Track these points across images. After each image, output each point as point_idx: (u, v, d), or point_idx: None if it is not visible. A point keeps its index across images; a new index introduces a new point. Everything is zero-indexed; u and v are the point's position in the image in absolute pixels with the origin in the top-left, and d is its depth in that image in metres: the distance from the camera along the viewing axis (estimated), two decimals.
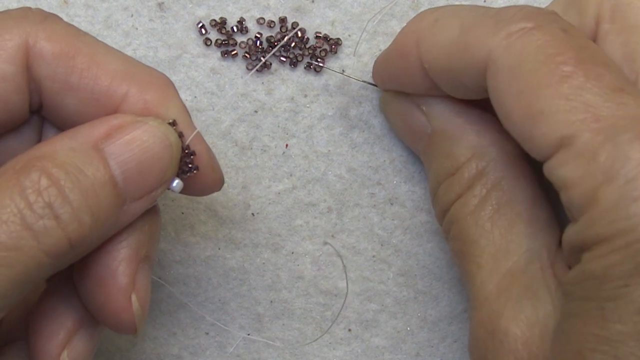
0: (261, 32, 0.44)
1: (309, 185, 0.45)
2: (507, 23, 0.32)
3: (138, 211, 0.34)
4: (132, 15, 0.44)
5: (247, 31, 0.44)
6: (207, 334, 0.46)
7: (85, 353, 0.36)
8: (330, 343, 0.46)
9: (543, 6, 0.44)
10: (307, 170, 0.45)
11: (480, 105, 0.38)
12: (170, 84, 0.36)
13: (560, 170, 0.30)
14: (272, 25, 0.44)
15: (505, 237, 0.35)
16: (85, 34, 0.36)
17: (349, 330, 0.46)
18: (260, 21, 0.44)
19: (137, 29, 0.44)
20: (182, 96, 0.44)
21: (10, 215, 0.31)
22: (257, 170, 0.45)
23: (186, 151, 0.35)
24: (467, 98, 0.36)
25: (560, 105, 0.30)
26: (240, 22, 0.44)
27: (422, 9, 0.44)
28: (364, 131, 0.44)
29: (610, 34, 0.35)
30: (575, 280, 0.30)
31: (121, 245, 0.34)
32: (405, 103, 0.40)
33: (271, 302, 0.45)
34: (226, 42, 0.44)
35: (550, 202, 0.36)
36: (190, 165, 0.35)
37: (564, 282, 0.31)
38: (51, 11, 0.44)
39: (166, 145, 0.34)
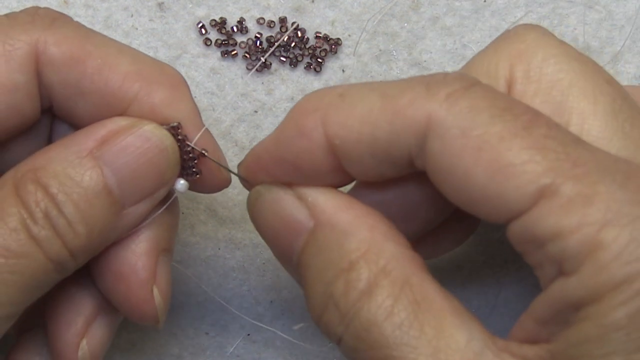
0: (261, 32, 0.44)
1: None
2: (441, 85, 0.30)
3: (141, 213, 0.34)
4: (132, 15, 0.44)
5: (247, 31, 0.44)
6: (207, 334, 0.46)
7: (103, 340, 0.37)
8: (330, 343, 0.46)
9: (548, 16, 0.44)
10: None
11: (368, 199, 0.34)
12: (181, 82, 0.36)
13: (548, 221, 0.28)
14: (272, 25, 0.44)
15: (440, 333, 0.30)
16: (95, 33, 0.36)
17: None
18: (260, 21, 0.44)
19: (137, 29, 0.44)
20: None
21: (18, 224, 0.32)
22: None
23: (190, 155, 0.35)
24: (379, 177, 0.33)
25: (530, 155, 0.28)
26: (240, 22, 0.44)
27: (422, 9, 0.44)
28: None
29: (526, 95, 0.33)
30: (582, 340, 0.28)
31: (139, 239, 0.35)
32: (284, 195, 0.34)
33: (271, 302, 0.45)
34: (226, 42, 0.44)
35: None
36: (194, 169, 0.35)
37: (542, 355, 0.29)
38: None
39: (161, 150, 0.34)
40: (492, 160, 0.29)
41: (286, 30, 0.44)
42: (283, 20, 0.44)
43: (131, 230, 0.35)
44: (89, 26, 0.43)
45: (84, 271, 0.36)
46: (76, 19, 0.44)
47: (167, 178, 0.35)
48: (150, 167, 0.34)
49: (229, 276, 0.45)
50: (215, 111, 0.44)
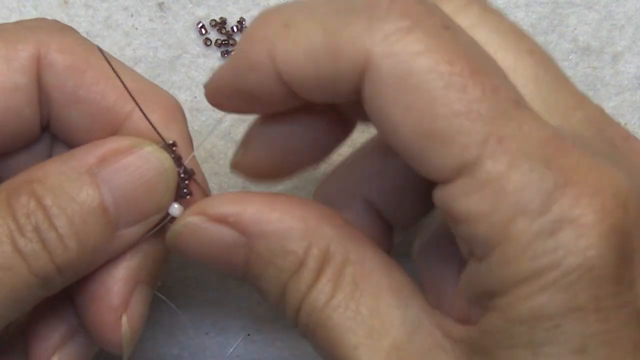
0: None
1: (309, 185, 0.45)
2: (382, 20, 0.28)
3: (134, 236, 0.34)
4: (132, 15, 0.44)
5: None
6: (207, 334, 0.46)
7: (78, 359, 0.36)
8: None
9: None
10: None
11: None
12: (176, 107, 0.36)
13: (462, 201, 0.27)
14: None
15: (375, 312, 0.31)
16: (99, 49, 0.35)
17: None
18: None
19: (137, 29, 0.44)
20: (182, 96, 0.44)
21: (3, 235, 0.31)
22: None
23: (181, 175, 0.35)
24: (334, 101, 0.32)
25: (459, 125, 0.27)
26: (240, 22, 0.44)
27: None
28: (363, 132, 0.44)
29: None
30: (492, 329, 0.28)
31: (121, 265, 0.34)
32: (204, 225, 0.33)
33: None
34: (226, 42, 0.44)
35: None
36: (185, 190, 0.35)
37: (468, 338, 0.29)
38: (51, 11, 0.44)
39: (161, 172, 0.34)
40: (418, 123, 0.27)
41: None
42: None
43: (122, 253, 0.34)
44: (89, 26, 0.43)
45: (66, 289, 0.35)
46: (76, 18, 0.44)
47: (164, 201, 0.34)
48: (148, 189, 0.33)
49: (229, 277, 0.45)
50: (215, 111, 0.44)
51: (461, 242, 0.29)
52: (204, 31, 0.44)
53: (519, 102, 0.28)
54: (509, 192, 0.26)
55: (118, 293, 0.34)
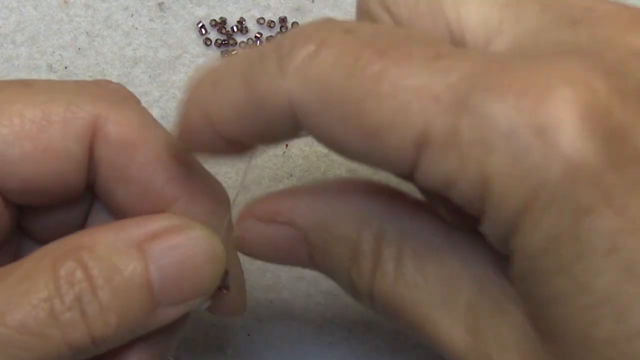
0: (261, 32, 0.44)
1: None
2: (289, 56, 0.27)
3: (171, 318, 0.33)
4: (132, 15, 0.44)
5: (247, 31, 0.44)
6: (207, 334, 0.46)
7: None
8: (330, 343, 0.46)
9: None
10: (307, 171, 0.45)
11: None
12: (224, 200, 0.35)
13: (435, 171, 0.26)
14: (272, 25, 0.44)
15: (443, 277, 0.30)
16: (157, 125, 0.34)
17: (349, 330, 0.46)
18: (260, 21, 0.44)
19: (137, 29, 0.44)
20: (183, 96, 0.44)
21: (41, 301, 0.30)
22: (257, 170, 0.45)
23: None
24: (282, 143, 0.32)
25: (392, 108, 0.26)
26: (240, 22, 0.44)
27: None
28: None
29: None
30: (522, 274, 0.27)
31: (138, 342, 0.33)
32: (261, 229, 0.33)
33: (271, 302, 0.46)
34: (226, 42, 0.44)
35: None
36: (223, 282, 0.34)
37: (518, 280, 0.28)
38: (51, 11, 0.44)
39: (211, 257, 0.33)
40: (358, 128, 0.26)
41: (286, 31, 0.44)
42: (283, 20, 0.44)
43: (155, 329, 0.33)
44: (89, 26, 0.43)
45: None
46: (76, 18, 0.44)
47: (208, 287, 0.33)
48: (195, 272, 0.33)
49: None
50: None
51: (467, 206, 0.27)
52: (204, 31, 0.44)
53: (438, 53, 0.26)
54: (467, 137, 0.25)
55: None
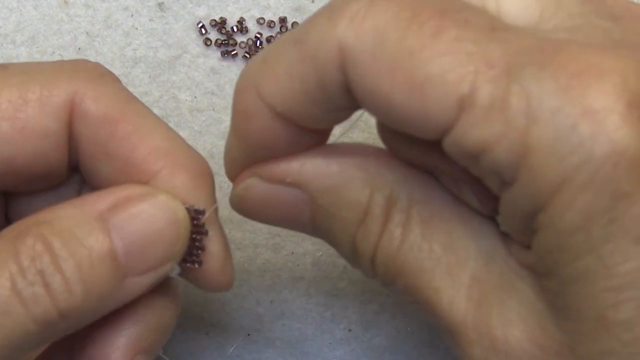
0: (261, 32, 0.44)
1: None
2: (342, 9, 0.28)
3: (141, 287, 0.33)
4: (132, 15, 0.44)
5: (247, 31, 0.44)
6: (207, 334, 0.46)
7: None
8: (330, 343, 0.46)
9: None
10: None
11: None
12: (206, 172, 0.35)
13: (472, 134, 0.26)
14: (272, 25, 0.44)
15: (449, 247, 0.30)
16: (136, 100, 0.35)
17: (349, 330, 0.46)
18: (260, 21, 0.44)
19: (137, 29, 0.44)
20: (182, 96, 0.44)
21: (1, 279, 0.30)
22: None
23: (197, 244, 0.34)
24: (336, 122, 0.32)
25: (444, 65, 0.26)
26: (240, 22, 0.44)
27: None
28: (363, 131, 0.44)
29: None
30: (547, 249, 0.27)
31: (121, 333, 0.33)
32: (265, 189, 0.33)
33: (271, 302, 0.46)
34: (226, 42, 0.44)
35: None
36: (194, 258, 0.34)
37: (531, 263, 0.28)
38: (51, 11, 0.44)
39: (173, 222, 0.33)
40: (406, 79, 0.27)
41: (287, 31, 0.44)
42: (283, 20, 0.44)
43: (128, 302, 0.33)
44: (89, 26, 0.43)
45: (65, 346, 0.35)
46: (76, 18, 0.44)
47: (175, 253, 0.33)
48: (159, 238, 0.32)
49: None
50: (215, 111, 0.44)
51: (488, 178, 0.28)
52: (204, 31, 0.44)
53: (494, 26, 0.27)
54: (515, 106, 0.26)
55: None
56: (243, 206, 0.34)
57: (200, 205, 0.34)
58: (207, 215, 0.34)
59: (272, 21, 0.44)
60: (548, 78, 0.25)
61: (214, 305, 0.45)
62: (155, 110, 0.44)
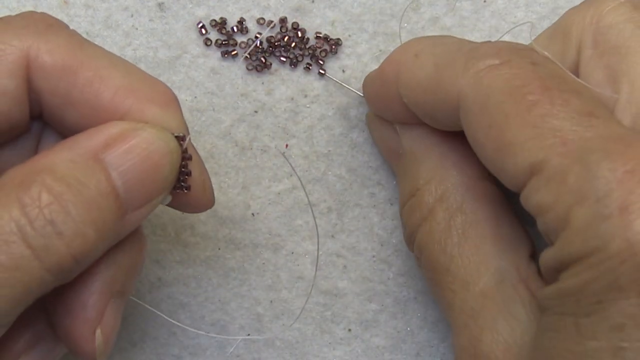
0: (261, 32, 0.44)
1: (309, 185, 0.45)
2: (477, 60, 0.33)
3: (138, 220, 0.34)
4: (132, 15, 0.44)
5: (247, 31, 0.44)
6: (207, 334, 0.46)
7: None
8: (330, 343, 0.46)
9: (543, 8, 0.44)
10: (307, 171, 0.45)
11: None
12: (173, 100, 0.35)
13: (534, 197, 0.30)
14: (272, 26, 0.44)
15: (474, 260, 0.35)
16: (90, 43, 0.35)
17: (349, 330, 0.46)
18: (260, 21, 0.44)
19: (137, 29, 0.44)
20: (182, 96, 0.44)
21: (11, 234, 0.30)
22: (257, 171, 0.45)
23: (182, 169, 0.35)
24: (443, 129, 0.37)
25: (528, 134, 0.30)
26: (240, 22, 0.44)
27: (422, 9, 0.44)
28: (364, 131, 0.44)
29: (592, 59, 0.35)
30: (553, 295, 0.30)
31: (95, 277, 0.33)
32: (384, 121, 0.41)
33: (271, 302, 0.45)
34: (226, 42, 0.44)
35: (520, 219, 0.37)
36: (182, 183, 0.35)
37: (541, 297, 0.31)
38: (51, 11, 0.44)
39: (166, 153, 0.33)
40: (497, 138, 0.31)
41: (287, 31, 0.44)
42: (283, 21, 0.44)
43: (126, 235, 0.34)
44: (89, 26, 0.43)
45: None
46: (76, 19, 0.44)
47: (169, 183, 0.34)
48: (155, 170, 0.33)
49: (228, 276, 0.45)
50: (215, 111, 0.44)
51: (544, 234, 0.31)
52: (204, 31, 0.44)
53: (591, 112, 0.30)
54: (570, 183, 0.29)
55: (93, 306, 0.33)
56: (370, 124, 0.43)
57: (179, 132, 0.34)
58: (188, 139, 0.34)
59: (272, 21, 0.44)
60: (607, 167, 0.28)
61: (214, 305, 0.45)
62: None
